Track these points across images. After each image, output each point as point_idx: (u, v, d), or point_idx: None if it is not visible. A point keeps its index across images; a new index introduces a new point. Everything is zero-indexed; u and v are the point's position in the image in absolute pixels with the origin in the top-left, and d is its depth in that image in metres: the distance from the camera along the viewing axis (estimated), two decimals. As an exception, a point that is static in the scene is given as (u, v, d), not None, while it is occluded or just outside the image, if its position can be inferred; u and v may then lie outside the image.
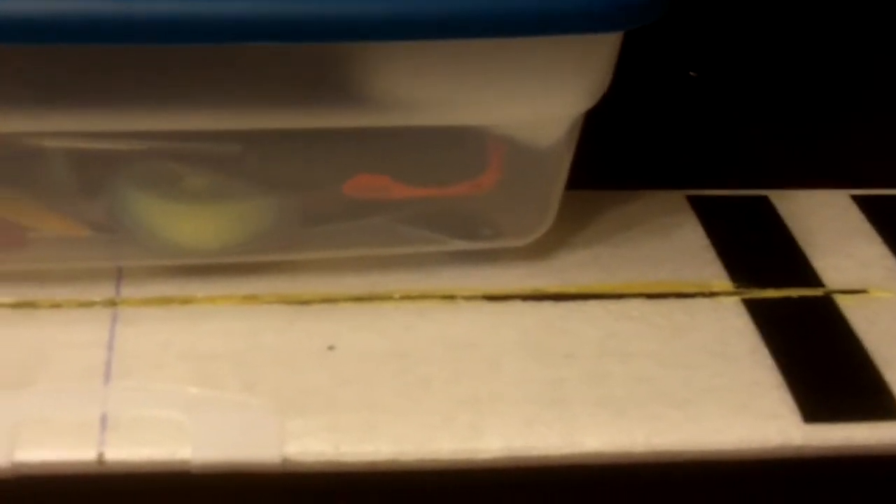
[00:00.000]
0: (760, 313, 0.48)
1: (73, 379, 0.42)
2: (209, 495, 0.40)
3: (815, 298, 0.49)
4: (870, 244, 0.53)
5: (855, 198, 0.55)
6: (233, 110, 0.41)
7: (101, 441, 0.40)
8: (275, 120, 0.42)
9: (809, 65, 0.66)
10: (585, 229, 0.51)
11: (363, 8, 0.38)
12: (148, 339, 0.44)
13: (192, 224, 0.46)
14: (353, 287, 0.47)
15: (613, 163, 0.56)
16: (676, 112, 0.61)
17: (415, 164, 0.46)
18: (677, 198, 0.54)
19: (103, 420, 0.40)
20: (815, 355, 0.46)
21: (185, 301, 0.46)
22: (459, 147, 0.46)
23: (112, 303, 0.46)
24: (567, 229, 0.50)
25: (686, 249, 0.51)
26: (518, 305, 0.47)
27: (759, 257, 0.51)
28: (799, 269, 0.51)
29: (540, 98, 0.43)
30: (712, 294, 0.49)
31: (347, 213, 0.47)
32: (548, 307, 0.47)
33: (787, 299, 0.49)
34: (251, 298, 0.46)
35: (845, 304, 0.49)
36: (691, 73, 0.65)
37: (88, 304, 0.45)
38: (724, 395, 0.44)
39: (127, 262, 0.47)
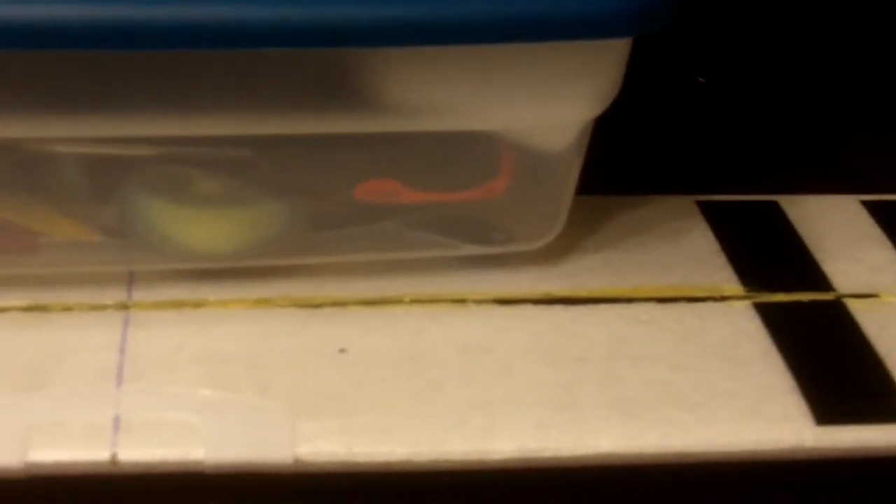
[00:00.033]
0: (771, 317, 0.48)
1: (85, 382, 0.42)
2: (222, 496, 0.40)
3: (826, 302, 0.49)
4: (880, 249, 0.53)
5: (865, 203, 0.55)
6: (245, 116, 0.41)
7: (113, 442, 0.40)
8: (286, 125, 0.42)
9: (818, 70, 0.67)
10: (596, 234, 0.51)
11: (374, 13, 0.38)
12: (160, 342, 0.44)
13: (204, 228, 0.46)
14: (364, 291, 0.47)
15: (624, 168, 0.56)
16: (686, 118, 0.61)
17: (426, 169, 0.46)
18: (687, 203, 0.54)
19: (116, 422, 0.40)
20: (827, 358, 0.46)
21: (197, 304, 0.46)
22: (470, 152, 0.46)
23: (124, 306, 0.46)
24: (578, 234, 0.50)
25: (696, 254, 0.51)
26: (529, 309, 0.47)
27: (770, 262, 0.51)
28: (809, 273, 0.51)
29: (550, 103, 0.43)
30: (723, 298, 0.49)
31: (358, 217, 0.47)
32: (559, 311, 0.47)
33: (798, 303, 0.49)
34: (263, 302, 0.46)
35: (856, 308, 0.49)
36: (700, 79, 0.65)
37: (100, 308, 0.45)
38: (736, 399, 0.44)
39: (138, 267, 0.47)
